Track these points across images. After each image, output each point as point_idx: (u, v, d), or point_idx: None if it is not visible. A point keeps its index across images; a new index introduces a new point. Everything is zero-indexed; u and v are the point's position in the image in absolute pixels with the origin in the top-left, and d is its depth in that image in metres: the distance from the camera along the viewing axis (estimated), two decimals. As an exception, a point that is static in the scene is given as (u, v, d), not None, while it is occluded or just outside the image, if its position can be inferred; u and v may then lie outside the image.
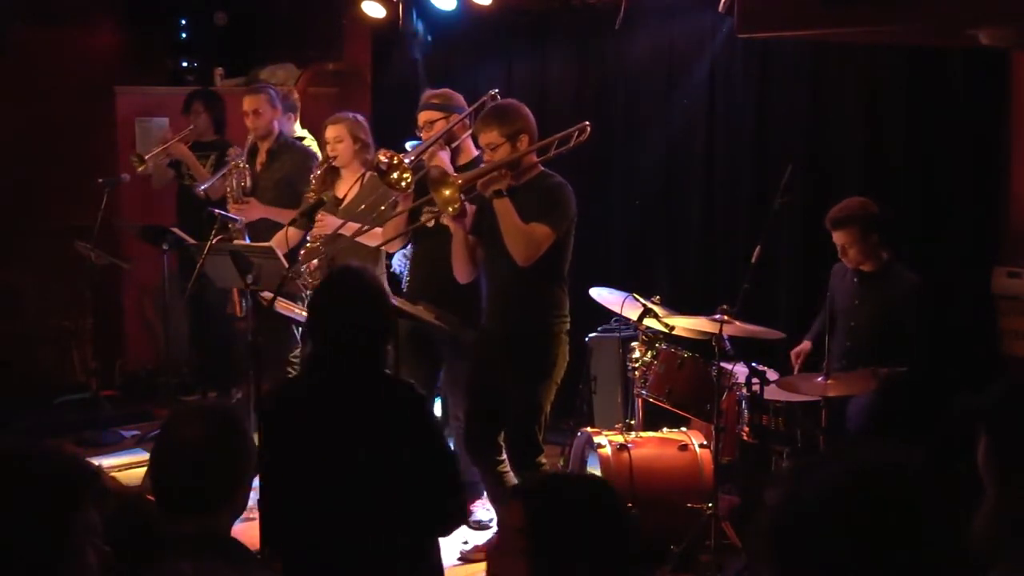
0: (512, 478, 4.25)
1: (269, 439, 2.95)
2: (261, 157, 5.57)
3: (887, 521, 1.30)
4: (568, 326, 4.15)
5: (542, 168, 4.12)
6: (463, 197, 3.95)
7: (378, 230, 4.63)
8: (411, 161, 4.32)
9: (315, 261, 4.88)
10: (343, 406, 2.87)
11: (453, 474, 2.93)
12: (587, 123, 4.04)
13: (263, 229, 5.28)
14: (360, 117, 5.13)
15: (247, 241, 5.08)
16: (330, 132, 5.02)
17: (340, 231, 4.77)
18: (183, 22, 7.60)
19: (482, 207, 4.07)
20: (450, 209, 3.91)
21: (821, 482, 1.35)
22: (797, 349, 4.75)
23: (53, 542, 1.71)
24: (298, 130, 6.04)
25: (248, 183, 5.46)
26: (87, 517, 1.76)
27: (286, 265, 4.55)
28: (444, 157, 4.44)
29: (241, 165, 5.48)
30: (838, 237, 4.38)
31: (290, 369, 5.47)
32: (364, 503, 2.79)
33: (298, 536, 2.85)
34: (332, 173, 5.08)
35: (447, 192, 3.87)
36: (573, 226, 4.09)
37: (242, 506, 2.31)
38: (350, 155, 5.01)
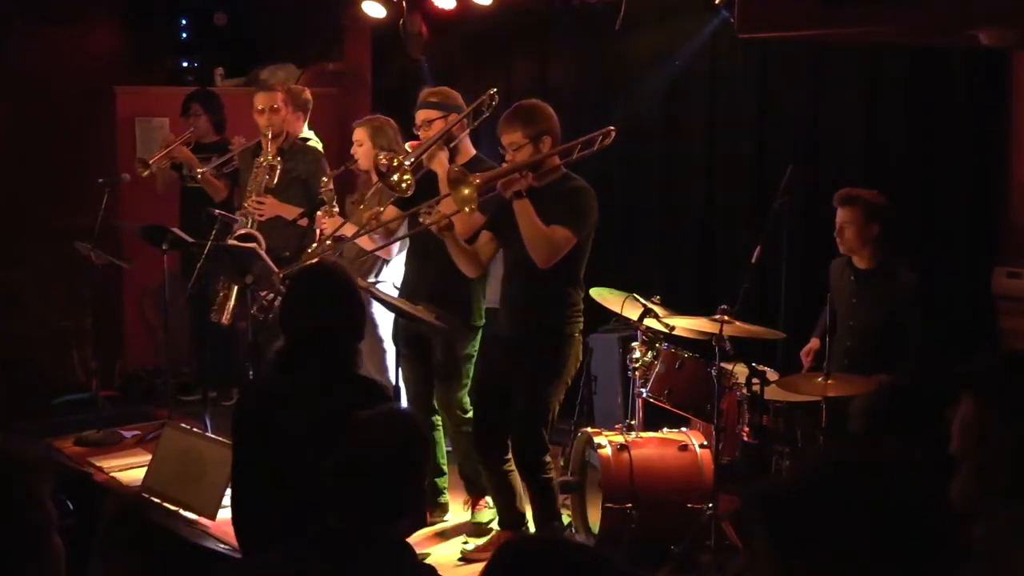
0: (517, 478, 4.26)
1: (241, 437, 2.97)
2: (269, 156, 5.54)
3: (866, 502, 1.46)
4: (581, 326, 4.17)
5: (565, 170, 4.11)
6: (481, 197, 3.94)
7: (391, 246, 4.65)
8: (411, 163, 4.31)
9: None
10: (308, 404, 2.85)
11: (413, 480, 2.93)
12: (612, 128, 4.04)
13: (278, 227, 5.31)
14: (387, 121, 5.09)
15: (262, 242, 5.10)
16: (354, 134, 5.07)
17: (341, 232, 4.78)
18: (183, 22, 7.61)
19: (502, 205, 4.06)
20: (468, 208, 3.90)
21: (809, 466, 1.55)
22: (807, 348, 4.74)
23: (19, 536, 1.73)
24: (304, 130, 6.04)
25: (275, 180, 5.44)
26: (44, 503, 1.77)
27: (272, 265, 4.57)
28: (443, 157, 4.43)
29: (270, 160, 5.44)
30: (841, 215, 4.41)
31: None
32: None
33: (268, 536, 2.77)
34: (364, 174, 5.16)
35: (466, 191, 3.86)
36: (593, 230, 4.09)
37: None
38: (370, 160, 5.02)
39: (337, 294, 2.99)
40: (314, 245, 4.94)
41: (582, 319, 4.17)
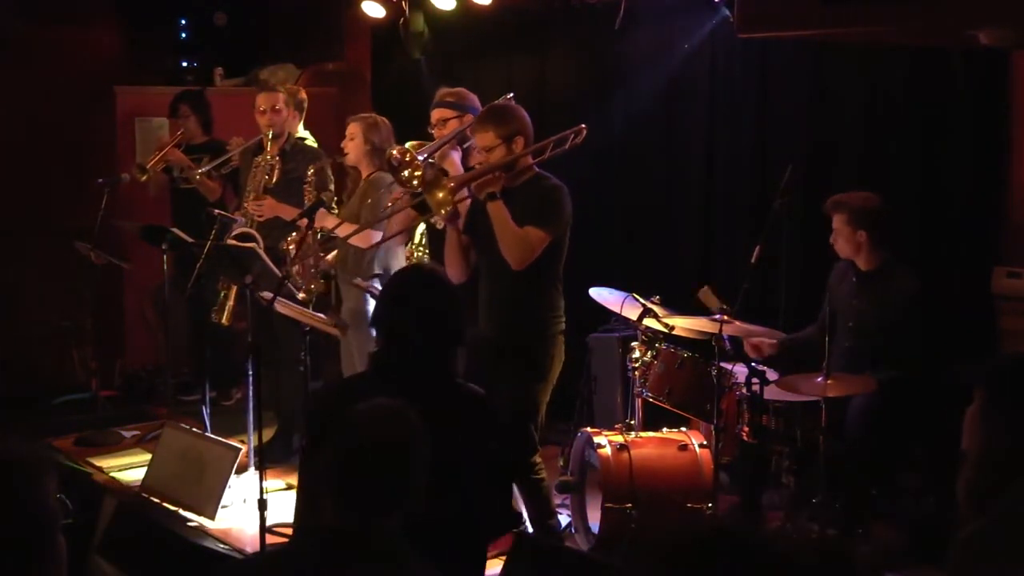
0: None
1: (324, 435, 2.84)
2: (268, 156, 5.53)
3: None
4: (563, 326, 4.14)
5: (538, 170, 4.10)
6: (456, 199, 3.94)
7: (375, 232, 4.63)
8: (424, 159, 4.31)
9: (310, 260, 4.89)
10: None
11: (505, 482, 2.91)
12: (583, 126, 4.03)
13: (277, 227, 5.31)
14: (382, 120, 5.11)
15: (260, 242, 5.11)
16: (348, 129, 5.10)
17: (335, 232, 4.78)
18: (183, 22, 7.62)
19: (476, 208, 4.07)
20: (443, 211, 3.91)
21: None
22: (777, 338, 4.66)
23: (22, 535, 1.74)
24: (300, 130, 6.05)
25: (274, 180, 5.45)
26: (47, 502, 1.78)
27: (272, 265, 4.57)
28: (456, 157, 4.44)
29: (270, 160, 5.45)
30: (833, 222, 4.49)
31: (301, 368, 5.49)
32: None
33: None
34: (354, 171, 5.16)
35: (440, 194, 3.86)
36: (568, 228, 4.08)
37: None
38: (359, 154, 5.04)
39: (426, 296, 2.88)
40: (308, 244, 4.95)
41: (563, 318, 4.14)
